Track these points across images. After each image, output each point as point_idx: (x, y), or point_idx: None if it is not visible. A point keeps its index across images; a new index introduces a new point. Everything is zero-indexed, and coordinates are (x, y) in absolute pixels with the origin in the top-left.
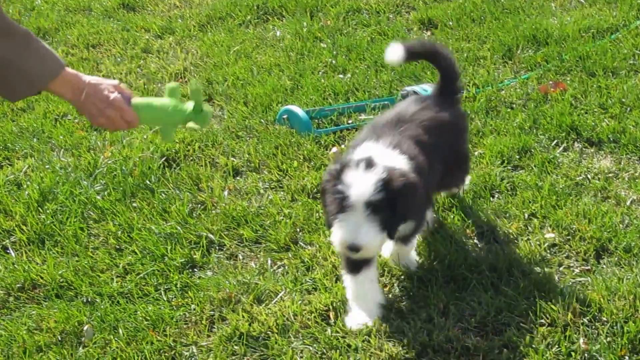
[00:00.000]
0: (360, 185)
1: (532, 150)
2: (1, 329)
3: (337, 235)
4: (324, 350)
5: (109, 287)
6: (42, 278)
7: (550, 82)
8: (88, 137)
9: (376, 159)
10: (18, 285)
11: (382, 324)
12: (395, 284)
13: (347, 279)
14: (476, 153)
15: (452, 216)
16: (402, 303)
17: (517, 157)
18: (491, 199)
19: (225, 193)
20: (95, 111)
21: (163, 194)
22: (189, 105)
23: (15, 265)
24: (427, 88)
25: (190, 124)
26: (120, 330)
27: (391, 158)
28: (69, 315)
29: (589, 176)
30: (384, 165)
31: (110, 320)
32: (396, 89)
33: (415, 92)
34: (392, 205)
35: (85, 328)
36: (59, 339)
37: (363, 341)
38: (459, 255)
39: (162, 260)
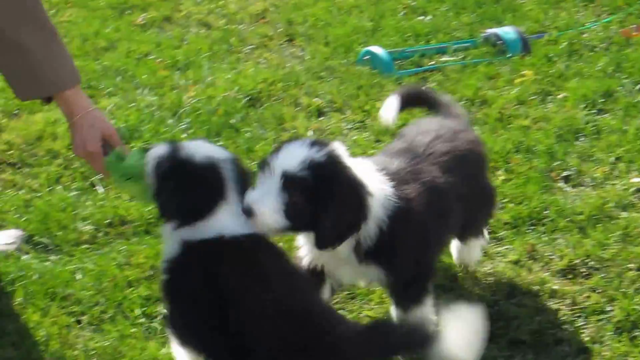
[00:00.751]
0: (287, 155)
1: (616, 93)
2: (92, 263)
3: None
4: None
5: None
6: (130, 214)
7: (633, 26)
8: (171, 77)
9: (335, 148)
10: (107, 221)
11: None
12: None
13: None
14: (559, 96)
15: (537, 159)
16: (489, 245)
17: (601, 100)
18: (575, 142)
19: (310, 133)
20: (75, 143)
21: (248, 133)
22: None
23: (104, 202)
24: (508, 30)
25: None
26: None
27: (366, 169)
28: (158, 252)
29: None
30: (333, 151)
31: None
32: (477, 31)
33: (497, 35)
34: (320, 200)
35: None
36: (150, 274)
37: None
38: (545, 199)
39: None
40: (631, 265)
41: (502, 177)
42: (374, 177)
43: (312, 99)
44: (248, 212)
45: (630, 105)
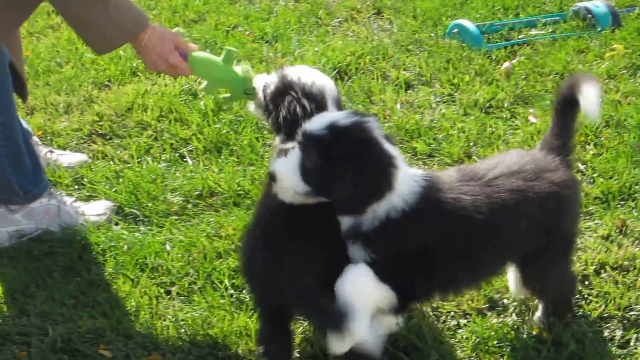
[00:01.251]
0: (317, 120)
1: None
2: (181, 234)
3: None
4: None
5: None
6: (219, 186)
7: None
8: (260, 49)
9: (368, 120)
10: (196, 192)
11: None
12: None
13: None
14: None
15: (627, 133)
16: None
17: None
18: None
19: (398, 106)
20: (152, 60)
21: None
22: (238, 70)
23: (193, 174)
24: (598, 4)
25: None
26: None
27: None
28: (246, 224)
29: None
30: (362, 120)
31: None
32: (567, 5)
33: (587, 9)
34: (338, 161)
35: None
36: (239, 245)
37: None
38: (636, 174)
39: None
40: None
41: (592, 152)
42: (404, 165)
43: (400, 72)
44: (272, 177)
45: None
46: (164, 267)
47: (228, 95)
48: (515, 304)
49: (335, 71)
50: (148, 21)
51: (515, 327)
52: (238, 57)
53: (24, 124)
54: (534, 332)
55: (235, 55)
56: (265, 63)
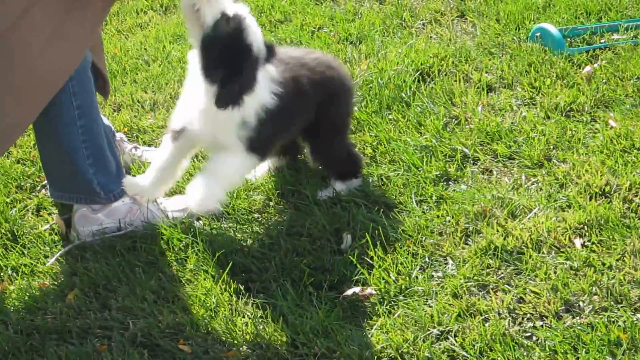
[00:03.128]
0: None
1: None
2: (262, 231)
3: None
4: (579, 267)
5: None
6: (300, 185)
7: None
8: (344, 50)
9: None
10: (278, 191)
11: (632, 244)
12: None
13: None
14: None
15: None
16: None
17: None
18: None
19: (479, 108)
20: None
21: (418, 107)
22: None
23: (273, 171)
24: None
25: None
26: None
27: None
28: (329, 222)
29: None
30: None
31: (367, 229)
32: None
33: None
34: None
35: (344, 235)
36: (319, 245)
37: (617, 260)
38: None
39: (417, 172)
40: None
41: None
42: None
43: (482, 75)
44: None
45: None
46: (245, 264)
47: None
48: (591, 306)
49: (418, 72)
50: None
51: (591, 329)
52: None
53: (107, 121)
54: (610, 336)
55: None
56: (349, 64)
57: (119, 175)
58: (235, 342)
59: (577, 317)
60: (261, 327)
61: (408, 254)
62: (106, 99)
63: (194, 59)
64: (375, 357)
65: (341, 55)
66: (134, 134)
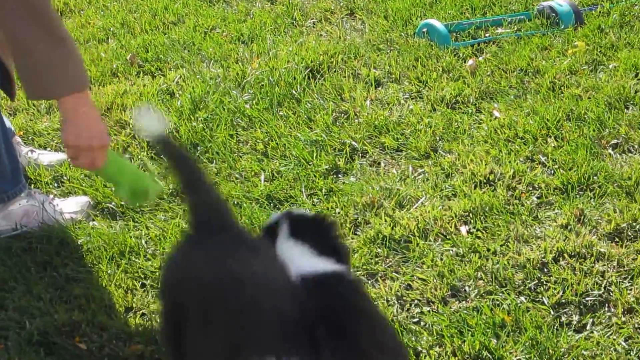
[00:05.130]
0: None
1: None
2: (156, 228)
3: None
4: (464, 253)
5: (257, 191)
6: None
7: None
8: (236, 50)
9: None
10: (171, 188)
11: (516, 229)
12: (533, 195)
13: None
14: (610, 66)
15: (587, 127)
16: (538, 211)
17: None
18: (625, 110)
19: (368, 103)
20: (79, 133)
21: (308, 104)
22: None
23: (167, 171)
24: (562, 3)
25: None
26: None
27: None
28: None
29: None
30: None
31: (259, 223)
32: (532, 4)
33: (551, 8)
34: None
35: None
36: None
37: (501, 245)
38: (594, 165)
39: (308, 166)
40: None
41: (553, 145)
42: None
43: (370, 70)
44: None
45: None
46: (139, 261)
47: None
48: (476, 290)
49: (308, 70)
50: (83, 87)
51: (476, 313)
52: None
53: (7, 123)
54: (495, 319)
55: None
56: (241, 63)
57: (15, 176)
58: (131, 337)
59: (463, 302)
60: (156, 322)
61: None
62: (12, 101)
63: None
64: None
65: (233, 55)
66: (30, 137)
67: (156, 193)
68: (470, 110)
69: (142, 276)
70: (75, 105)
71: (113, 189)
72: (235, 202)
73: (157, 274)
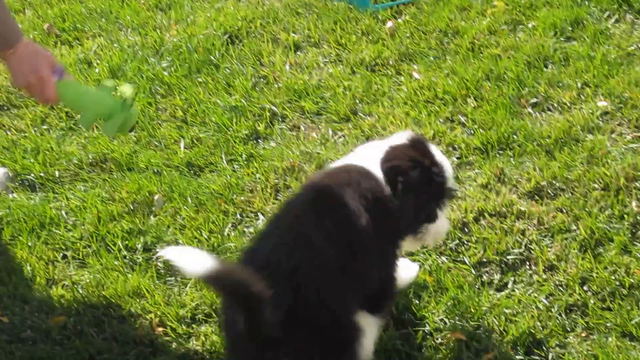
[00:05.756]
0: (447, 166)
1: (584, 22)
2: (76, 199)
3: (446, 224)
4: None
5: (177, 158)
6: (113, 152)
7: None
8: (154, 17)
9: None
10: (90, 158)
11: None
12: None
13: None
14: (529, 25)
15: (506, 86)
16: (458, 171)
17: (570, 28)
18: (545, 69)
19: (287, 67)
20: (21, 72)
21: (227, 69)
22: (116, 101)
23: (87, 141)
24: None
25: (111, 123)
26: (189, 199)
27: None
28: (140, 186)
29: None
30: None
31: (179, 190)
32: None
33: None
34: None
35: (155, 197)
36: (131, 208)
37: None
38: (514, 124)
39: (227, 132)
40: (596, 185)
41: (473, 105)
42: None
43: (289, 35)
44: None
45: (598, 32)
46: (60, 232)
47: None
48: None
49: (227, 35)
50: (22, 34)
51: None
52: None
53: None
54: (417, 280)
55: (111, 90)
56: (159, 30)
57: None
58: (53, 309)
59: None
60: (77, 293)
61: (220, 212)
62: None
63: None
64: (190, 314)
65: (151, 22)
66: None
67: (130, 120)
68: (389, 73)
69: (63, 247)
70: (26, 47)
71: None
72: (155, 170)
73: (78, 244)
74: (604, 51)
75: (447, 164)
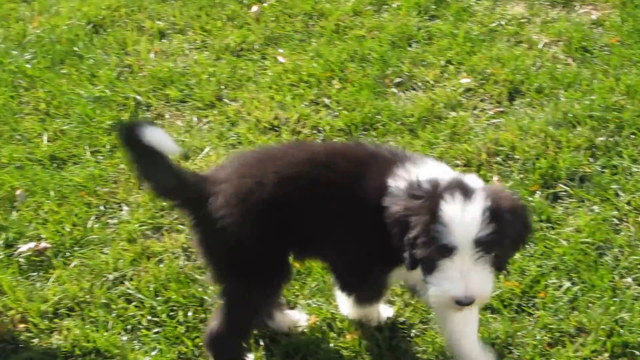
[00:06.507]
0: (466, 221)
1: (448, 0)
2: None
3: (442, 288)
4: None
5: (40, 152)
6: None
7: None
8: (17, 8)
9: (464, 180)
10: None
11: None
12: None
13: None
14: (394, 5)
15: (371, 67)
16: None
17: (434, 7)
18: (409, 48)
19: (152, 55)
20: None
21: (91, 60)
22: None
23: None
24: None
25: None
26: (52, 193)
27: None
28: (1, 181)
29: (502, 22)
30: (482, 188)
31: (42, 184)
32: None
33: None
34: (503, 235)
35: (18, 192)
36: None
37: None
38: (378, 104)
39: (91, 123)
40: (458, 162)
41: (337, 87)
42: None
43: (154, 22)
44: (469, 302)
45: (461, 10)
46: None
47: None
48: None
49: (91, 25)
50: None
51: None
52: None
53: None
54: None
55: None
56: (22, 22)
57: None
58: None
59: None
60: None
61: (83, 205)
62: None
63: None
64: (52, 309)
65: (13, 14)
66: None
67: None
68: (255, 57)
69: None
70: None
71: None
72: (17, 165)
73: None
74: (466, 28)
75: (458, 223)
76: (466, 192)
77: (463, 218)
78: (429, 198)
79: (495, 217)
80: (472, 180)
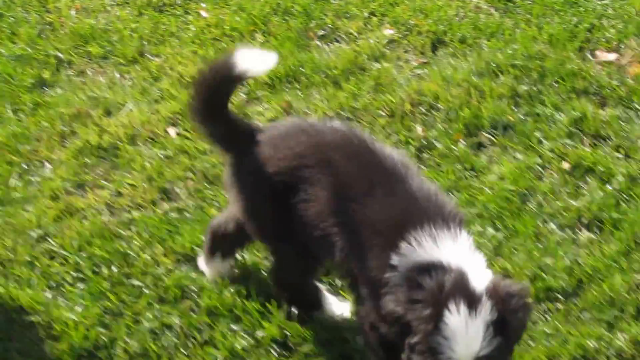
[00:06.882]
0: (469, 336)
1: None
2: None
3: None
4: (173, 155)
5: None
6: None
7: None
8: None
9: (470, 280)
10: None
11: None
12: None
13: None
14: None
15: (294, 20)
16: (246, 107)
17: None
18: (332, 1)
19: (73, 12)
20: None
21: (11, 18)
22: None
23: None
24: None
25: None
26: None
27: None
28: None
29: None
30: (486, 289)
31: None
32: None
33: None
34: (506, 349)
35: None
36: None
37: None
38: (301, 57)
39: (12, 82)
40: (382, 113)
41: (261, 40)
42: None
43: None
44: None
45: None
46: None
47: None
48: (186, 191)
49: None
50: None
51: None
52: None
53: None
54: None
55: None
56: None
57: None
58: None
59: (173, 203)
60: None
61: (4, 163)
62: None
63: None
64: None
65: None
66: None
67: None
68: (177, 12)
69: None
70: None
71: None
72: None
73: None
74: None
75: (461, 339)
76: (472, 301)
77: (466, 333)
78: (433, 305)
79: (500, 331)
80: (478, 272)
